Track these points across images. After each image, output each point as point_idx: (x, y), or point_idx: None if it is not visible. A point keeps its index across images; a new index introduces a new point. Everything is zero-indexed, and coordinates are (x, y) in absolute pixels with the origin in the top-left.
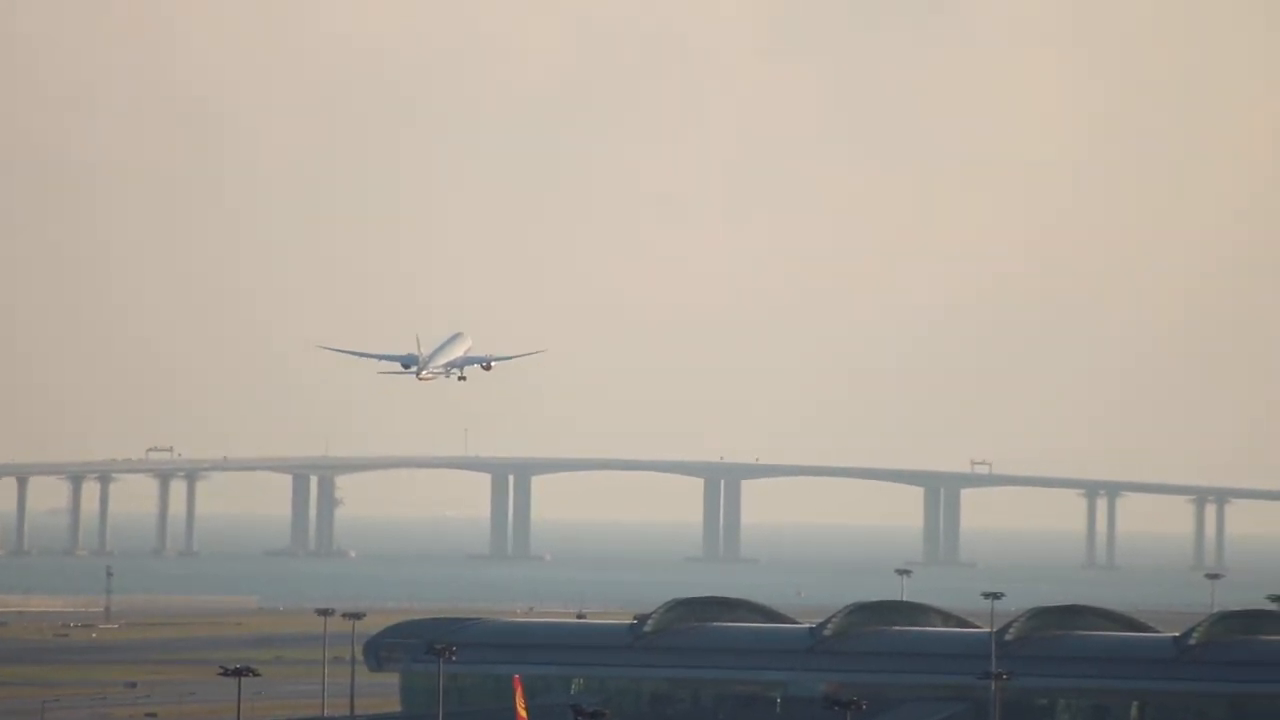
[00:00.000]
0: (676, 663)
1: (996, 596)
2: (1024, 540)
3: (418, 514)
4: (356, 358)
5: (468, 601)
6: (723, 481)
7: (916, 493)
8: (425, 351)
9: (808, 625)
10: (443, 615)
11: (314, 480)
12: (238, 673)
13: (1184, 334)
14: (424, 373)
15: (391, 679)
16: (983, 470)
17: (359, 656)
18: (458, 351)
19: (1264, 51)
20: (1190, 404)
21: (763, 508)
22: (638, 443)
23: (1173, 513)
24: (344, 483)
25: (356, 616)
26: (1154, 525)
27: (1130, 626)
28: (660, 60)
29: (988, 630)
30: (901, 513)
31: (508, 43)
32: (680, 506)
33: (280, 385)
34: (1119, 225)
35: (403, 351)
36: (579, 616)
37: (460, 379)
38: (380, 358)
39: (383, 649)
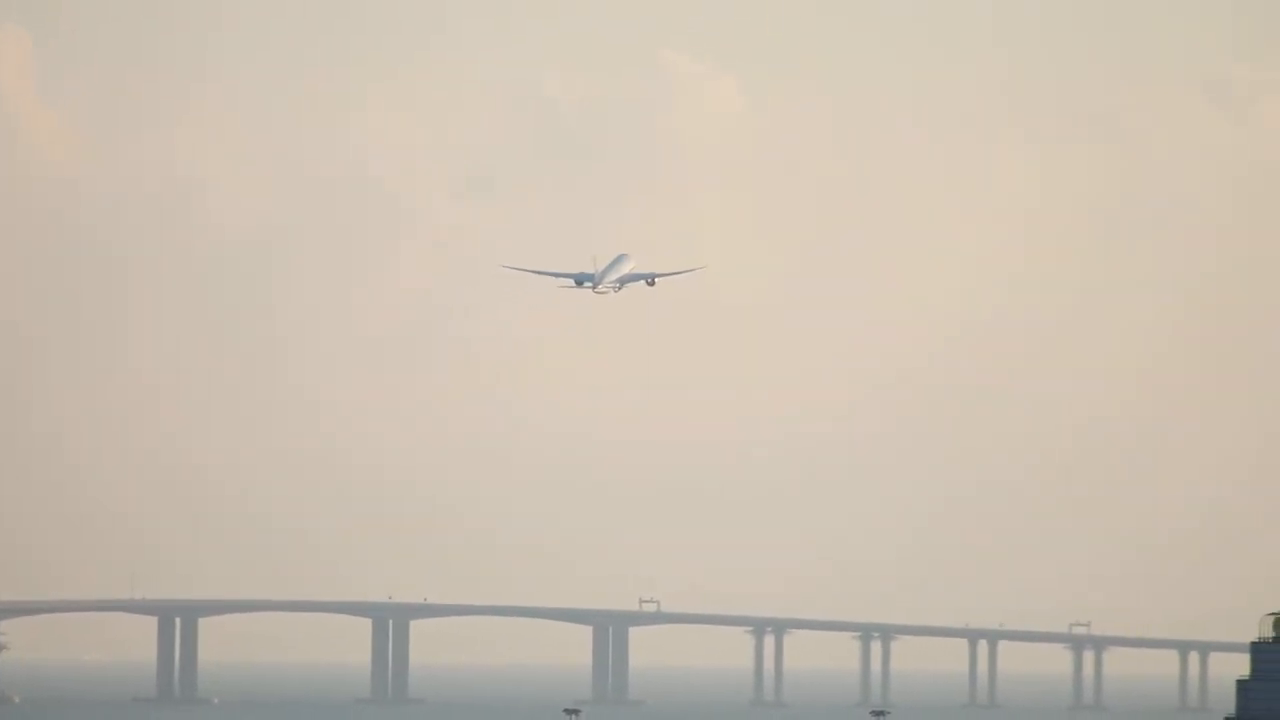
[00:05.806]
0: None
1: None
2: (693, 678)
3: (87, 658)
4: (537, 275)
5: None
6: (391, 621)
7: (585, 630)
8: (599, 268)
9: None
10: None
11: None
12: None
13: (849, 470)
14: (599, 287)
15: None
16: (650, 608)
17: None
18: (625, 269)
19: None
20: (853, 541)
21: (432, 648)
22: (304, 584)
23: (838, 649)
24: (8, 627)
25: None
26: (820, 661)
27: None
28: None
29: None
30: (570, 651)
31: None
32: (348, 647)
33: None
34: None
35: (576, 270)
36: None
37: (617, 290)
38: (558, 275)
39: None
